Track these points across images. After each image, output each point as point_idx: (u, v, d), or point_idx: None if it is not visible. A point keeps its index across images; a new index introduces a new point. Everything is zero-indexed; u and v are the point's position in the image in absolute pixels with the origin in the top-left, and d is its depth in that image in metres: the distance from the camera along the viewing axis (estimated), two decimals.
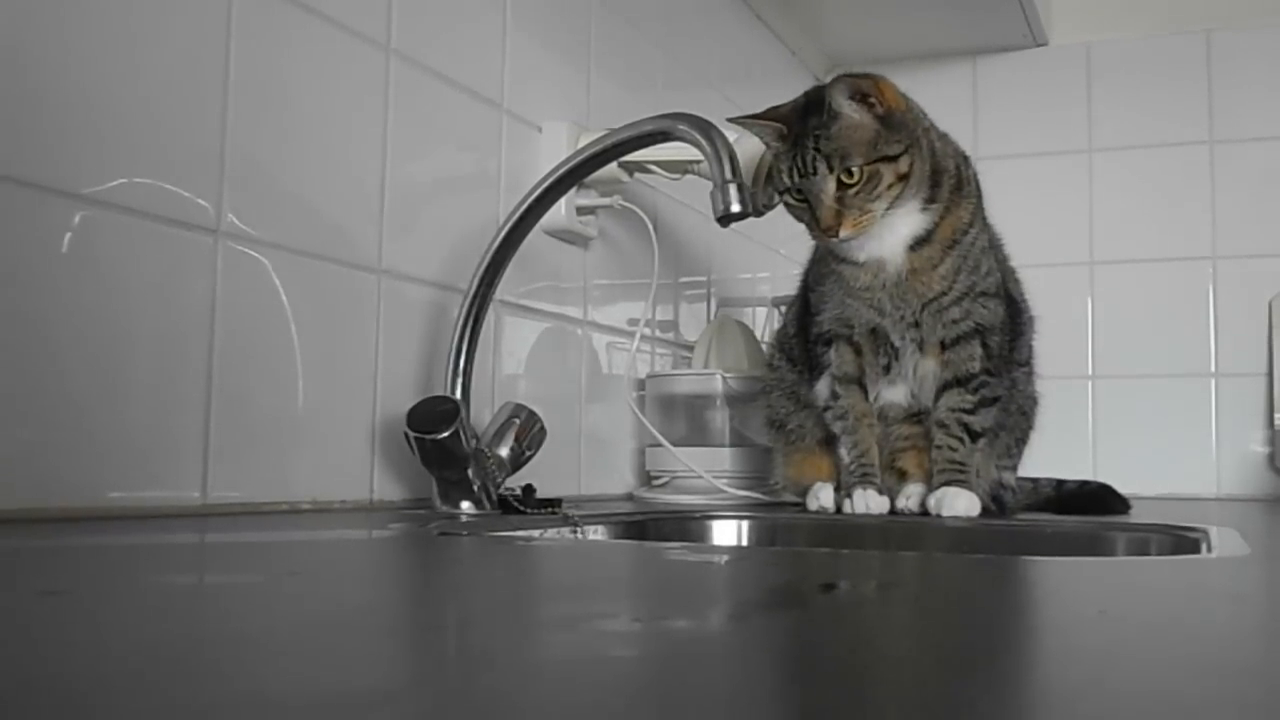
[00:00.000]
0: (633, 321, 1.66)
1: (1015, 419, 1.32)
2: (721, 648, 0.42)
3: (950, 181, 1.19)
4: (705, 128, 1.07)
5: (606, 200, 1.47)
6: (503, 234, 1.18)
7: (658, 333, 1.76)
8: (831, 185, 1.11)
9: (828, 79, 2.45)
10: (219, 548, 0.78)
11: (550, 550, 0.86)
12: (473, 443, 1.11)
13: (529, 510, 1.14)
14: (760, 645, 0.43)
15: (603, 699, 0.33)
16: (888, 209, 1.14)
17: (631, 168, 1.42)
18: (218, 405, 0.98)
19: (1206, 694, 0.35)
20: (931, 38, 2.30)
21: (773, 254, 2.18)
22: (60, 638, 0.40)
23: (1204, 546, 1.02)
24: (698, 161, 1.34)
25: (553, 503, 1.17)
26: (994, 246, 1.28)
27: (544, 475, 1.24)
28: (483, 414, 1.27)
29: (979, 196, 1.24)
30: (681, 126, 1.09)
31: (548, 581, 0.68)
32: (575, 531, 1.14)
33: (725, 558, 0.81)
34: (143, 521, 0.88)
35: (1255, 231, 2.15)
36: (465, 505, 1.12)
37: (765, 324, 1.94)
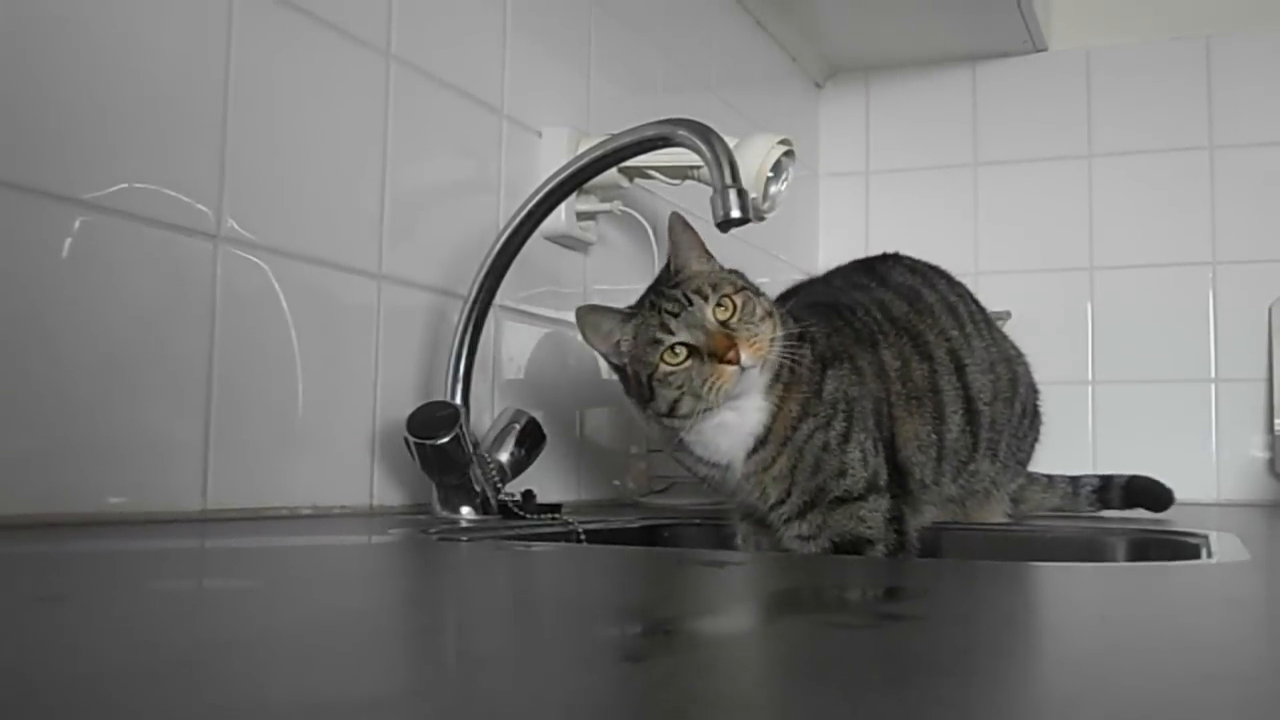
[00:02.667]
0: None
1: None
2: (723, 654, 0.42)
3: (786, 370, 1.03)
4: (705, 133, 1.07)
5: (606, 205, 1.47)
6: (503, 239, 1.18)
7: None
8: (710, 313, 0.99)
9: (827, 84, 2.47)
10: (218, 553, 0.78)
11: (550, 556, 0.86)
12: (473, 448, 1.11)
13: (529, 516, 1.14)
14: (763, 650, 0.43)
15: (603, 705, 0.33)
16: (770, 349, 0.99)
17: (631, 173, 1.42)
18: (218, 410, 0.98)
19: (1207, 699, 0.35)
20: (931, 43, 2.30)
21: (772, 259, 2.19)
22: (60, 643, 0.40)
23: (1204, 552, 1.02)
24: (698, 167, 1.34)
25: (553, 508, 1.17)
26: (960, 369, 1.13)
27: (544, 481, 1.24)
28: (483, 419, 1.27)
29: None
30: (681, 132, 1.09)
31: (547, 587, 0.67)
32: (575, 537, 1.14)
33: (727, 564, 0.81)
34: (143, 527, 0.88)
35: (1255, 237, 2.15)
36: (465, 511, 1.12)
37: None
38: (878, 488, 1.03)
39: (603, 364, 1.60)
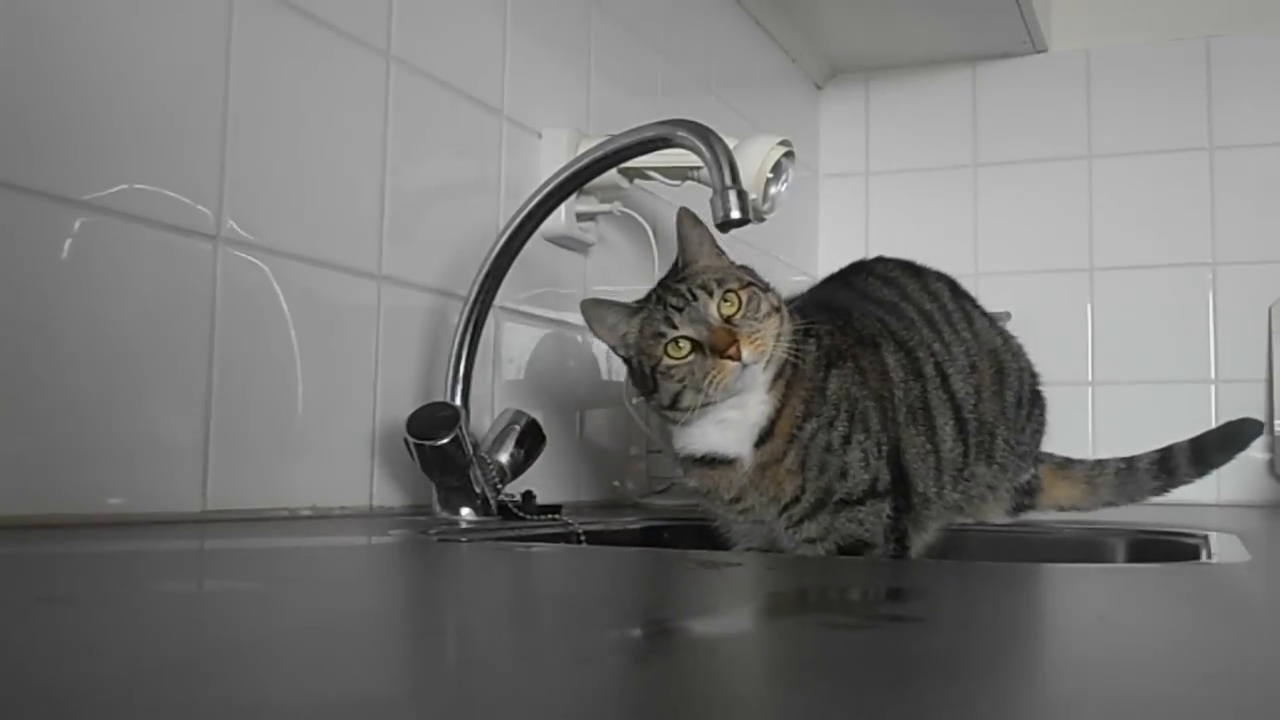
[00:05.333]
0: None
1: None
2: (723, 655, 0.42)
3: (789, 368, 1.02)
4: (705, 134, 1.08)
5: (606, 206, 1.47)
6: (503, 240, 1.18)
7: None
8: (714, 308, 0.99)
9: (827, 85, 2.47)
10: (218, 554, 0.78)
11: (550, 557, 0.86)
12: (473, 449, 1.11)
13: (529, 516, 1.14)
14: (763, 650, 0.43)
15: (603, 706, 0.33)
16: (773, 346, 0.99)
17: (631, 174, 1.42)
18: (217, 411, 0.98)
19: (1206, 701, 0.35)
20: (931, 44, 2.30)
21: (772, 260, 2.19)
22: (60, 644, 0.40)
23: (1204, 553, 1.02)
24: (697, 167, 1.34)
25: (553, 509, 1.17)
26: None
27: (544, 481, 1.24)
28: (483, 420, 1.27)
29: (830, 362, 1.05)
30: (681, 133, 1.09)
31: (547, 588, 0.68)
32: (575, 538, 1.14)
33: (726, 565, 0.81)
34: (142, 528, 0.88)
35: (1255, 237, 2.15)
36: (465, 511, 1.12)
37: None
38: (877, 492, 1.02)
39: (603, 365, 1.60)
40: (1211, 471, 1.37)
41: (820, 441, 1.02)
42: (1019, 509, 1.27)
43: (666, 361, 1.00)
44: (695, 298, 1.00)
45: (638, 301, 1.06)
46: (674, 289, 1.02)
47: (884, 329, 1.11)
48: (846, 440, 1.02)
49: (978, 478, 1.15)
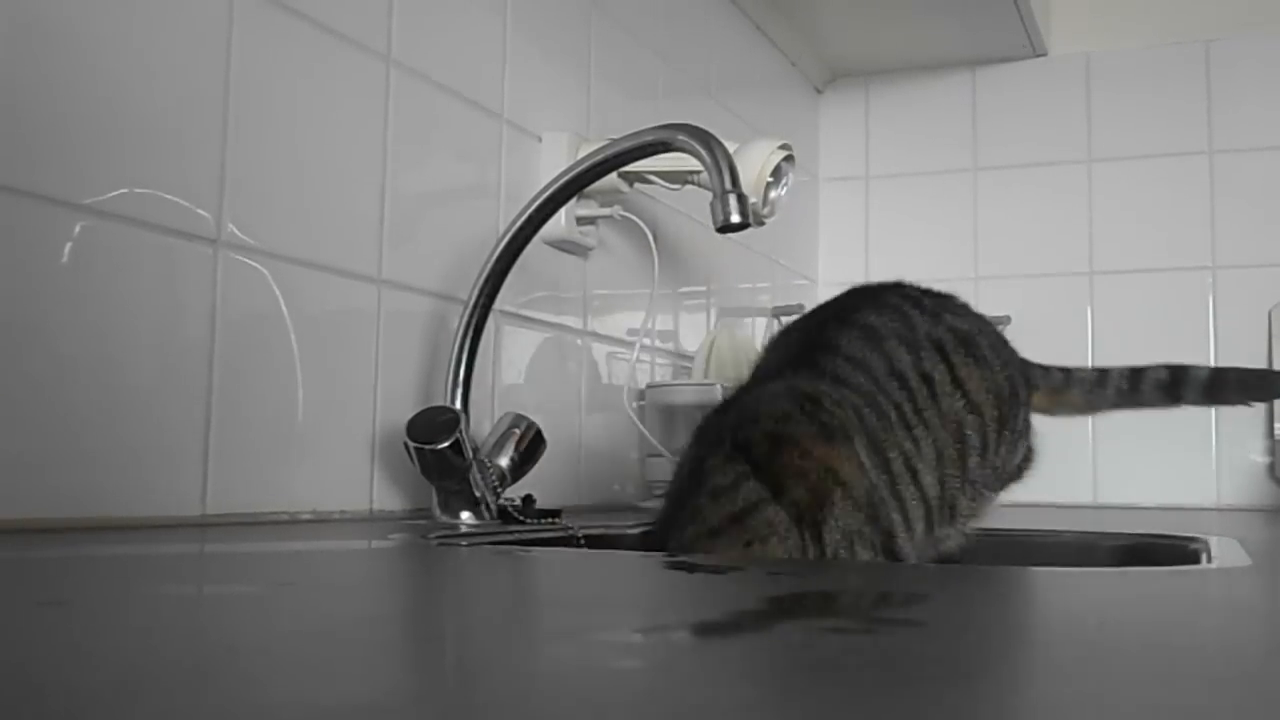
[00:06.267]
0: (632, 332, 1.66)
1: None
2: (722, 658, 0.42)
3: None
4: (705, 138, 1.08)
5: (606, 210, 1.47)
6: (502, 244, 1.18)
7: (658, 343, 1.76)
8: None
9: (827, 89, 2.47)
10: (218, 558, 0.78)
11: (550, 561, 0.86)
12: (472, 453, 1.11)
13: (529, 520, 1.14)
14: (763, 654, 0.43)
15: (603, 709, 0.33)
16: None
17: (631, 178, 1.42)
18: (217, 415, 0.98)
19: (1206, 706, 0.35)
20: (931, 48, 2.31)
21: (773, 264, 2.19)
22: (59, 648, 0.40)
23: (1204, 557, 1.02)
24: (697, 172, 1.34)
25: (553, 513, 1.17)
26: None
27: (544, 486, 1.24)
28: (483, 424, 1.27)
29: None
30: (681, 137, 1.10)
31: (547, 592, 0.67)
32: (575, 542, 1.14)
33: (726, 569, 0.81)
34: (142, 532, 0.88)
35: (1255, 241, 2.15)
36: (465, 515, 1.12)
37: (765, 334, 1.94)
38: None
39: (603, 369, 1.60)
40: (1216, 405, 1.32)
41: None
42: (1017, 479, 1.22)
43: None
44: None
45: None
46: None
47: (857, 422, 1.03)
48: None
49: (948, 537, 1.12)
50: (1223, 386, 1.30)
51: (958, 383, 1.12)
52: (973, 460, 1.12)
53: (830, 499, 0.97)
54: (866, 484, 1.01)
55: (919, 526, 1.06)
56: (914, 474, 1.06)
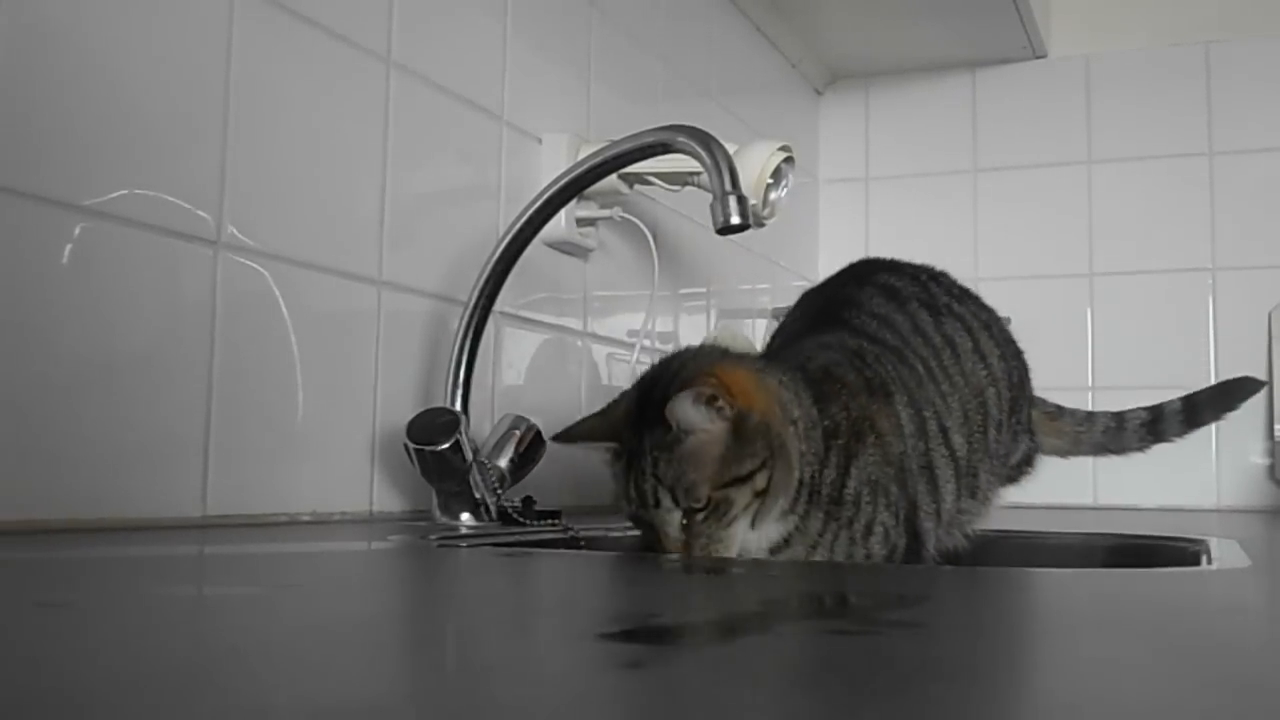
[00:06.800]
0: (632, 333, 1.66)
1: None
2: (722, 660, 0.42)
3: (806, 490, 0.94)
4: (705, 140, 1.08)
5: (606, 212, 1.47)
6: (503, 245, 1.18)
7: (657, 344, 1.76)
8: (677, 517, 0.89)
9: (827, 90, 2.47)
10: (218, 560, 0.78)
11: (550, 562, 0.86)
12: (472, 454, 1.11)
13: (529, 522, 1.14)
14: (763, 656, 0.43)
15: (603, 712, 0.33)
16: (751, 525, 0.91)
17: (631, 179, 1.42)
18: (218, 416, 0.98)
19: (1207, 707, 0.35)
20: (931, 49, 2.31)
21: (773, 265, 2.19)
22: (59, 650, 0.40)
23: (1204, 558, 1.02)
24: (697, 173, 1.34)
25: (552, 514, 1.17)
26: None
27: (544, 487, 1.24)
28: (483, 426, 1.26)
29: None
30: (681, 138, 1.10)
31: (547, 594, 0.67)
32: (575, 543, 1.13)
33: (727, 571, 0.81)
34: (142, 533, 0.88)
35: (1254, 243, 2.16)
36: (465, 517, 1.12)
37: (764, 335, 1.94)
38: (895, 559, 0.99)
39: (603, 370, 1.60)
40: (1201, 429, 1.35)
41: (843, 540, 0.96)
42: (1017, 479, 1.23)
43: (629, 511, 0.93)
44: (657, 503, 0.89)
45: (612, 436, 0.96)
46: (644, 473, 0.90)
47: (898, 378, 1.06)
48: (868, 531, 0.97)
49: (966, 512, 1.13)
50: (1197, 409, 1.35)
51: (980, 354, 1.16)
52: (992, 432, 1.13)
53: (865, 441, 0.97)
54: (901, 447, 1.02)
55: (948, 491, 1.06)
56: (945, 433, 1.07)
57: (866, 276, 1.19)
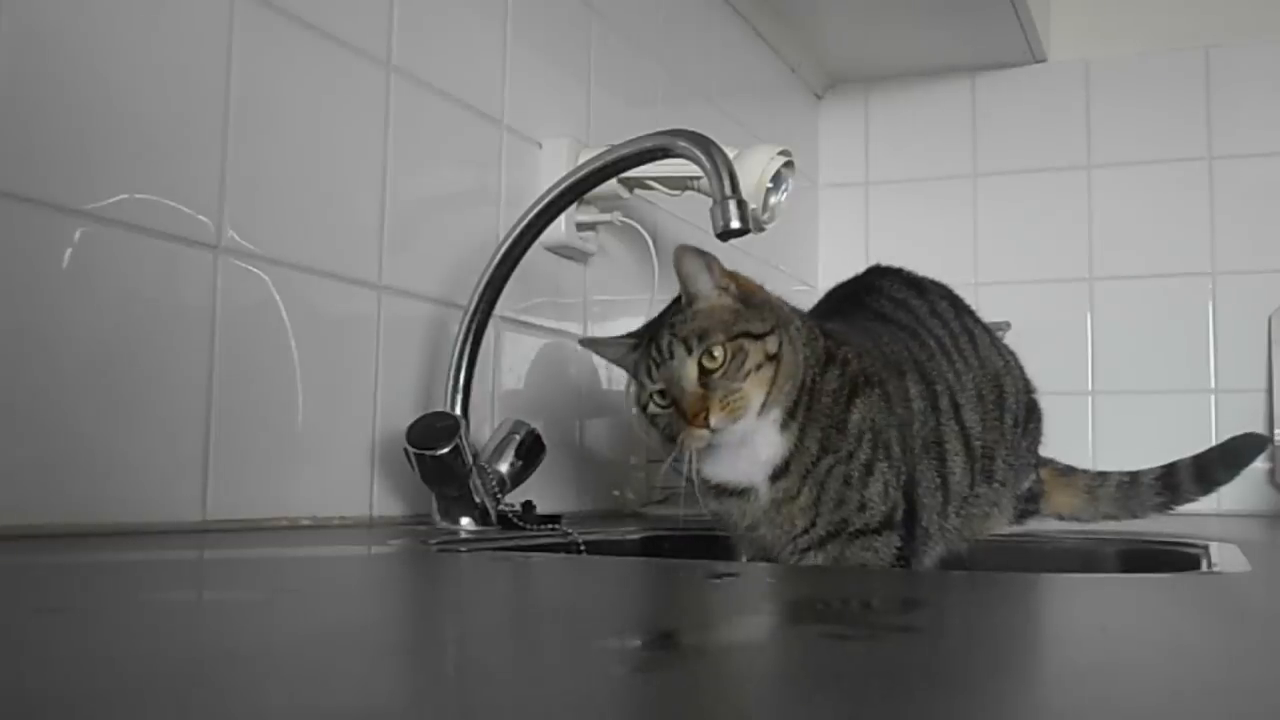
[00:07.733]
0: None
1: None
2: (724, 666, 0.42)
3: (806, 398, 0.98)
4: (705, 144, 1.08)
5: (606, 216, 1.47)
6: (503, 250, 1.18)
7: None
8: (692, 369, 0.94)
9: (826, 95, 2.47)
10: (218, 564, 0.78)
11: (550, 567, 0.85)
12: (472, 459, 1.11)
13: (529, 526, 1.14)
14: (764, 661, 0.43)
15: (604, 717, 0.33)
16: (763, 403, 0.95)
17: (631, 184, 1.42)
18: (217, 421, 0.98)
19: (1207, 712, 0.34)
20: (930, 54, 2.31)
21: (772, 270, 2.19)
22: (58, 655, 0.40)
23: (1205, 563, 1.02)
24: (697, 178, 1.34)
25: (553, 519, 1.17)
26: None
27: (544, 491, 1.24)
28: (483, 430, 1.26)
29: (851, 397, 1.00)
30: (681, 143, 1.10)
31: (547, 598, 0.67)
32: (575, 548, 1.13)
33: (727, 575, 0.81)
34: (142, 538, 0.88)
35: (1254, 247, 2.16)
36: (465, 521, 1.12)
37: None
38: (893, 523, 1.00)
39: (603, 374, 1.60)
40: (1215, 489, 1.37)
41: (838, 475, 0.98)
42: (1023, 515, 1.26)
43: (651, 409, 0.97)
44: (673, 355, 0.95)
45: (635, 335, 1.03)
46: (659, 338, 0.98)
47: (910, 357, 1.08)
48: (868, 471, 0.98)
49: (980, 498, 1.14)
50: (1210, 467, 1.36)
51: (999, 351, 1.20)
52: (1008, 419, 1.15)
53: (871, 384, 1.01)
54: (907, 417, 1.04)
55: (956, 465, 1.07)
56: (956, 409, 1.09)
57: (892, 272, 1.23)
